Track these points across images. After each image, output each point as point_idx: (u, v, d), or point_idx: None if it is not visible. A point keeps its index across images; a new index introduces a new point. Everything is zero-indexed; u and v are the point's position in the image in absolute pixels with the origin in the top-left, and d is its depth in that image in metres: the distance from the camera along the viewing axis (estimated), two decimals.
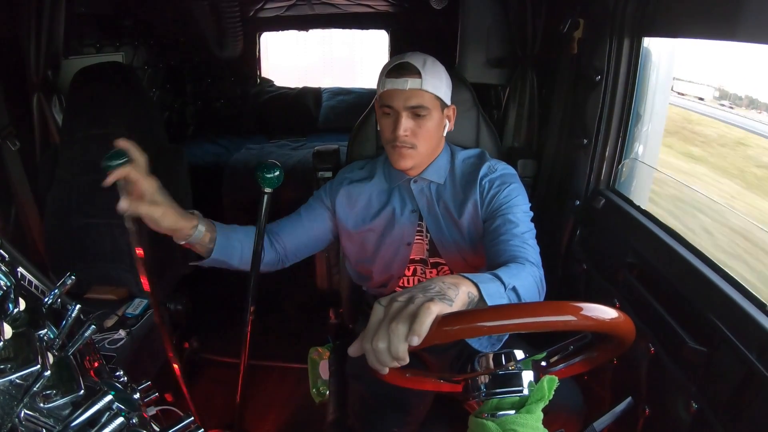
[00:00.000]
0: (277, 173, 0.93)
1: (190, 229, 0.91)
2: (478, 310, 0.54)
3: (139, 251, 0.94)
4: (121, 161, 0.78)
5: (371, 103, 1.30)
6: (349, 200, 1.14)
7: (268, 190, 0.95)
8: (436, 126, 1.04)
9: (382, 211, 1.12)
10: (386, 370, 0.55)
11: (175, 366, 1.23)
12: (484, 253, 1.02)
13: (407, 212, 1.11)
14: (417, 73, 0.99)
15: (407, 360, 0.52)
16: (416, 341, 0.50)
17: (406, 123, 1.01)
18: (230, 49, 1.45)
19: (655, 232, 1.05)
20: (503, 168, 1.09)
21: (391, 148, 1.05)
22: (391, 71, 1.01)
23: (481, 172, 1.07)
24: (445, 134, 1.10)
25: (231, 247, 1.00)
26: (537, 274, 0.83)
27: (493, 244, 0.95)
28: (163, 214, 0.84)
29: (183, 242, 0.93)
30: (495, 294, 0.66)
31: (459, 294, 0.60)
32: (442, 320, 0.51)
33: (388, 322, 0.53)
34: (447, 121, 1.08)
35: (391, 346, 0.51)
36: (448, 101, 1.06)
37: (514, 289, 0.72)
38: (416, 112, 1.01)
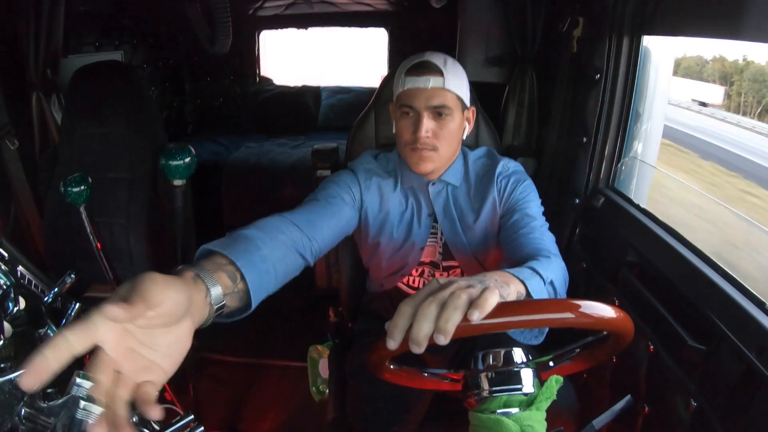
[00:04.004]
0: (186, 160, 0.68)
1: (203, 298, 0.58)
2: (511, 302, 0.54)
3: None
4: None
5: (370, 101, 1.30)
6: (380, 201, 1.07)
7: (178, 182, 0.73)
8: (457, 128, 1.00)
9: (401, 218, 1.09)
10: (399, 341, 0.50)
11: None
12: (497, 253, 1.02)
13: (424, 216, 1.09)
14: (439, 72, 0.95)
15: (449, 339, 0.48)
16: (477, 316, 0.48)
17: (427, 124, 0.96)
18: (220, 46, 1.51)
19: (655, 231, 1.05)
20: (515, 166, 1.09)
21: (410, 151, 0.99)
22: (411, 69, 0.97)
23: (497, 170, 1.06)
24: (465, 137, 1.06)
25: (265, 280, 0.71)
26: (563, 266, 0.83)
27: (514, 238, 0.94)
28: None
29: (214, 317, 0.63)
30: (538, 290, 0.67)
31: (510, 293, 0.61)
32: (499, 308, 0.50)
33: (448, 293, 0.50)
34: (467, 124, 1.04)
35: (444, 314, 0.48)
36: (468, 102, 1.02)
37: (551, 283, 0.73)
38: (438, 112, 0.96)
